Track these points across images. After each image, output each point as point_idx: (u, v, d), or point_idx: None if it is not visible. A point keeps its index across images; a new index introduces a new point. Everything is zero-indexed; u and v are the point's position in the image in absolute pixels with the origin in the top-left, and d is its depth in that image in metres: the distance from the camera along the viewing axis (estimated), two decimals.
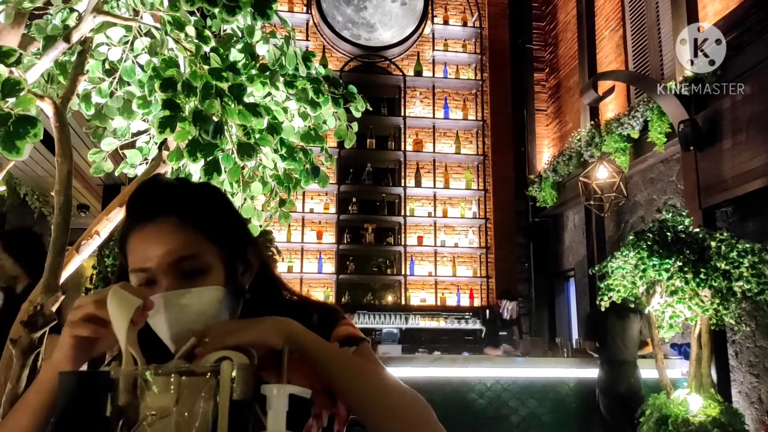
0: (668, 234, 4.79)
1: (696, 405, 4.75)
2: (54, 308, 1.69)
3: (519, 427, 5.94)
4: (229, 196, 1.99)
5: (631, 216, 7.52)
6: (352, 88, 2.21)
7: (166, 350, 0.89)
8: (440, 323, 9.00)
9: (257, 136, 1.88)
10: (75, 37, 1.72)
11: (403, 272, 9.10)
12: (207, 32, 1.82)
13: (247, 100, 1.81)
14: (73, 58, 1.91)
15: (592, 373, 5.84)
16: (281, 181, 2.11)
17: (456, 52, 9.96)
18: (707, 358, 4.92)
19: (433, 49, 9.84)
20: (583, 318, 8.20)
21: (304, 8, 9.67)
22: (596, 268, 5.40)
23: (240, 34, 2.00)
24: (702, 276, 4.49)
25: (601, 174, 7.11)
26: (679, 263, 4.55)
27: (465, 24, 10.10)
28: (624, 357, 5.54)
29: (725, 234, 4.76)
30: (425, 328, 8.89)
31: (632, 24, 7.86)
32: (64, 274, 1.83)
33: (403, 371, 5.70)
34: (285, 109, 2.06)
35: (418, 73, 9.73)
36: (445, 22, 10.00)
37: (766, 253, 4.53)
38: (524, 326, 8.92)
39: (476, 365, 6.19)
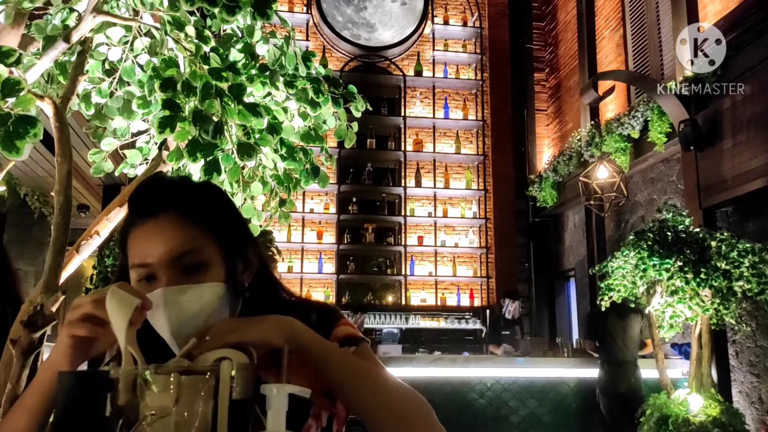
0: (668, 234, 4.79)
1: (696, 405, 4.74)
2: (54, 308, 1.69)
3: (519, 427, 5.93)
4: (229, 196, 1.98)
5: (632, 216, 7.52)
6: (352, 88, 2.21)
7: (165, 349, 0.89)
8: (440, 323, 9.00)
9: (257, 136, 1.88)
10: (75, 37, 1.72)
11: (403, 272, 9.10)
12: (207, 32, 1.82)
13: (247, 100, 1.81)
14: (73, 58, 1.91)
15: (592, 373, 5.84)
16: (281, 181, 2.11)
17: (456, 52, 9.96)
18: (708, 358, 4.92)
19: (433, 49, 9.84)
20: (583, 318, 8.20)
21: (304, 8, 9.67)
22: (596, 268, 5.40)
23: (240, 34, 2.00)
24: (702, 276, 4.49)
25: (602, 174, 7.11)
26: (680, 263, 4.55)
27: (465, 24, 10.10)
28: (624, 357, 5.54)
29: (725, 234, 4.76)
30: (425, 328, 8.89)
31: (632, 24, 7.86)
32: (64, 274, 1.83)
33: (403, 371, 5.69)
34: (285, 109, 2.06)
35: (418, 73, 9.73)
36: (445, 22, 10.00)
37: (767, 253, 4.53)
38: (525, 326, 8.92)
39: (476, 365, 6.19)
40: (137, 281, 0.93)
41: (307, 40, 9.41)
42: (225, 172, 1.85)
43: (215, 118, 1.72)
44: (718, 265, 4.52)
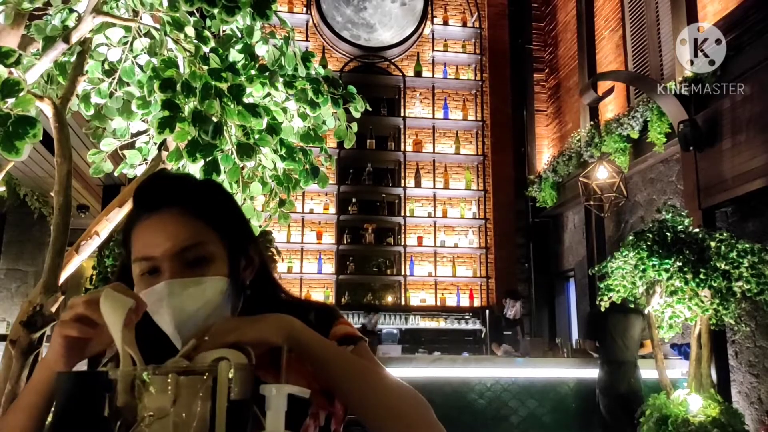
0: (668, 234, 4.79)
1: (696, 405, 4.74)
2: (53, 309, 1.69)
3: (519, 428, 5.93)
4: (231, 194, 1.99)
5: (631, 216, 7.52)
6: (352, 89, 2.21)
7: (165, 348, 0.89)
8: (440, 323, 9.00)
9: (257, 136, 1.88)
10: (74, 38, 1.73)
11: (403, 272, 9.10)
12: (206, 33, 1.82)
13: (246, 100, 1.81)
14: (73, 59, 1.91)
15: (592, 373, 5.84)
16: (281, 181, 2.11)
17: (456, 52, 9.96)
18: (707, 359, 4.92)
19: (433, 50, 9.84)
20: (583, 318, 8.20)
21: (304, 9, 9.67)
22: (596, 269, 5.40)
23: (239, 35, 2.00)
24: (702, 276, 4.49)
25: (601, 174, 7.12)
26: (679, 263, 4.55)
27: (465, 24, 10.10)
28: (624, 357, 5.54)
29: (725, 234, 4.76)
30: (425, 328, 8.89)
31: (632, 24, 7.86)
32: (64, 275, 1.83)
33: (403, 371, 5.69)
34: (284, 110, 2.06)
35: (418, 73, 9.73)
36: (445, 23, 10.00)
37: (766, 254, 4.53)
38: (525, 326, 8.92)
39: (476, 365, 6.19)
40: (140, 275, 0.93)
41: (306, 40, 9.41)
42: (224, 172, 1.85)
43: (215, 119, 1.72)
44: (718, 265, 4.52)
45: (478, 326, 9.03)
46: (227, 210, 1.01)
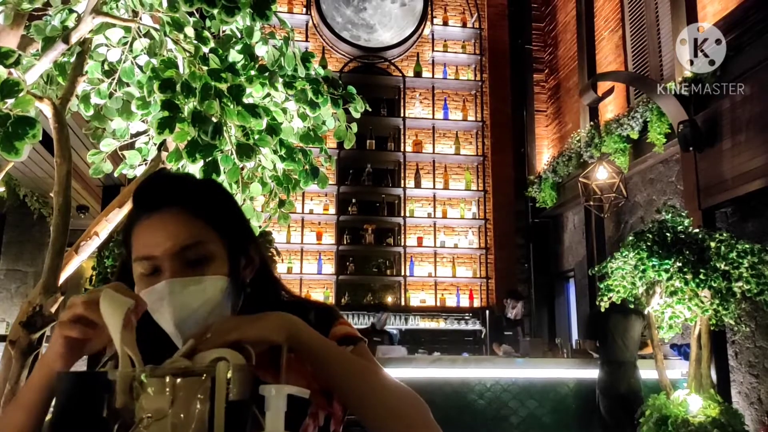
0: (668, 234, 4.79)
1: (696, 405, 4.74)
2: (53, 309, 1.69)
3: (519, 428, 5.93)
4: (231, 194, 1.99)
5: (631, 216, 7.52)
6: (352, 89, 2.21)
7: (165, 347, 0.89)
8: (440, 324, 9.00)
9: (256, 136, 1.88)
10: (74, 38, 1.73)
11: (402, 273, 9.09)
12: (206, 33, 1.82)
13: (246, 100, 1.81)
14: (72, 59, 1.91)
15: (591, 373, 5.84)
16: (280, 181, 2.11)
17: (455, 52, 9.96)
18: (707, 359, 4.92)
19: (433, 50, 9.84)
20: (583, 318, 8.20)
21: (304, 9, 9.67)
22: (596, 269, 5.40)
23: (239, 35, 2.00)
24: (701, 276, 4.49)
25: (601, 175, 7.12)
26: (679, 264, 4.55)
27: (464, 25, 10.10)
28: (624, 357, 5.54)
29: (725, 234, 4.76)
30: (425, 328, 8.89)
31: (631, 25, 7.86)
32: (64, 275, 1.83)
33: (403, 372, 5.70)
34: (284, 110, 2.06)
35: (418, 73, 9.73)
36: (445, 23, 10.00)
37: (766, 254, 4.53)
38: (525, 327, 8.92)
39: (476, 366, 6.19)
40: (141, 275, 0.94)
41: (306, 41, 9.41)
42: (224, 172, 1.85)
43: (214, 119, 1.72)
44: (718, 265, 4.52)
45: (478, 327, 9.03)
46: (227, 209, 1.02)
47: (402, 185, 9.33)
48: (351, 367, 0.94)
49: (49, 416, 0.85)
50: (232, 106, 1.74)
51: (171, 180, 1.02)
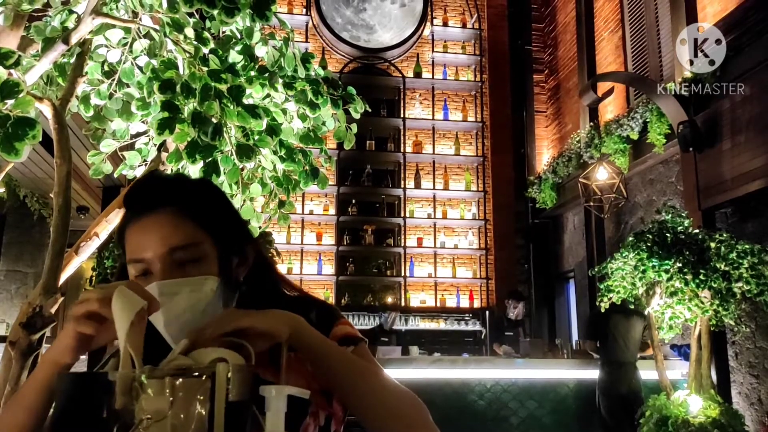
0: (668, 235, 4.79)
1: (696, 406, 4.74)
2: (53, 310, 1.69)
3: (519, 429, 5.93)
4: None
5: (631, 217, 7.52)
6: (352, 90, 2.21)
7: (162, 348, 0.89)
8: (440, 324, 9.00)
9: (256, 137, 1.88)
10: (74, 39, 1.73)
11: (402, 273, 9.09)
12: (206, 34, 1.82)
13: (246, 101, 1.81)
14: (72, 60, 1.91)
15: (591, 374, 5.84)
16: (280, 182, 2.11)
17: (455, 53, 9.96)
18: (707, 359, 4.92)
19: (433, 51, 9.84)
20: (584, 318, 8.20)
21: (304, 10, 9.67)
22: (596, 270, 5.40)
23: (239, 36, 2.00)
24: (701, 277, 4.49)
25: (601, 175, 7.12)
26: (679, 264, 4.55)
27: (464, 25, 10.10)
28: (625, 358, 5.54)
29: (725, 235, 4.76)
30: (425, 329, 8.89)
31: (631, 25, 7.87)
32: (64, 276, 1.83)
33: (403, 372, 5.69)
34: (284, 111, 2.06)
35: (418, 74, 9.73)
36: (445, 24, 10.00)
37: (766, 254, 4.53)
38: (526, 327, 8.92)
39: (476, 366, 6.19)
40: (135, 276, 0.94)
41: (306, 41, 9.41)
42: (224, 173, 1.85)
43: (214, 120, 1.72)
44: (718, 266, 4.52)
45: (478, 327, 9.03)
46: (218, 208, 1.02)
47: (402, 186, 9.33)
48: (351, 368, 0.94)
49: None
50: (232, 107, 1.74)
51: (161, 182, 1.02)
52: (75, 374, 0.77)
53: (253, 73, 1.93)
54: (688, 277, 4.50)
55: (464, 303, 9.20)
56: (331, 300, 8.71)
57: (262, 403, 0.79)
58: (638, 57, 7.68)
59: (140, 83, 1.90)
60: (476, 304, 9.24)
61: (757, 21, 5.23)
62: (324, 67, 2.23)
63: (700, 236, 4.79)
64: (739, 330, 5.21)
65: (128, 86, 1.96)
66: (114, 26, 1.87)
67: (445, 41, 9.97)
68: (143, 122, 2.07)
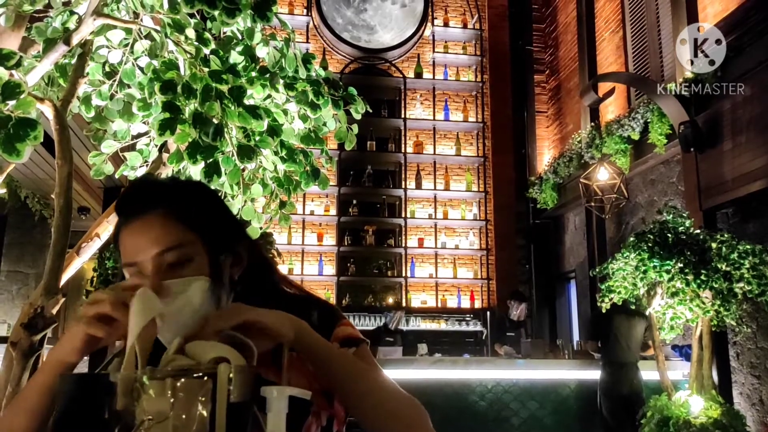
0: (669, 235, 4.79)
1: (697, 406, 4.74)
2: (54, 311, 1.69)
3: (520, 429, 5.93)
4: (229, 198, 1.99)
5: (632, 217, 7.52)
6: (352, 90, 2.21)
7: (160, 347, 0.89)
8: (441, 325, 9.00)
9: (257, 138, 1.88)
10: (75, 40, 1.73)
11: (403, 274, 9.09)
12: (207, 34, 1.82)
13: (247, 102, 1.81)
14: (74, 61, 1.91)
15: (593, 374, 5.83)
16: (281, 183, 2.11)
17: (456, 54, 9.96)
18: (708, 360, 4.92)
19: (434, 51, 9.84)
20: (586, 318, 8.20)
21: (304, 10, 9.68)
22: (597, 270, 5.39)
23: (240, 37, 2.00)
24: (703, 277, 4.49)
25: (602, 175, 7.11)
26: (680, 264, 4.55)
27: (465, 26, 10.10)
28: (627, 359, 5.53)
29: (726, 235, 4.76)
30: (426, 329, 8.88)
31: (632, 26, 7.86)
32: (65, 277, 1.83)
33: (403, 373, 5.69)
34: (285, 111, 2.06)
35: (419, 75, 9.73)
36: (445, 24, 10.00)
37: (767, 255, 4.52)
38: (528, 328, 8.91)
39: (477, 367, 6.18)
40: (130, 279, 0.96)
41: (307, 42, 9.41)
42: (225, 174, 1.85)
43: (215, 121, 1.72)
44: (719, 266, 4.52)
45: (479, 328, 9.03)
46: (208, 209, 1.02)
47: (403, 186, 9.33)
48: (352, 371, 0.95)
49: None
50: (233, 108, 1.74)
51: (151, 186, 1.04)
52: (77, 375, 0.77)
53: (254, 73, 1.93)
54: (690, 277, 4.50)
55: (465, 303, 9.20)
56: (332, 301, 8.71)
57: (264, 403, 0.79)
58: (639, 57, 7.68)
59: (141, 84, 1.90)
60: (477, 304, 9.24)
61: (758, 21, 5.22)
62: (325, 67, 2.23)
63: (701, 236, 4.78)
64: (741, 330, 5.20)
65: (129, 87, 1.96)
66: (115, 27, 1.87)
67: (445, 41, 9.97)
68: (144, 123, 2.07)
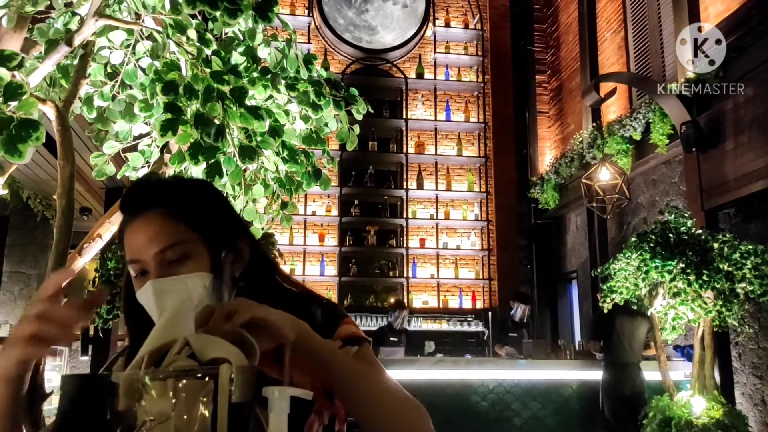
0: (671, 236, 4.78)
1: (699, 407, 4.73)
2: None
3: (521, 430, 5.92)
4: (231, 199, 1.99)
5: (634, 218, 7.51)
6: (354, 91, 2.22)
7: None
8: (442, 325, 8.99)
9: (259, 138, 1.88)
10: (77, 41, 1.73)
11: (405, 274, 9.09)
12: (208, 35, 1.83)
13: (248, 103, 1.81)
14: (75, 62, 1.91)
15: (595, 375, 5.83)
16: (283, 183, 2.11)
17: (457, 54, 9.96)
18: (710, 360, 4.91)
19: (435, 52, 9.84)
20: (588, 318, 8.19)
21: (306, 11, 9.68)
22: (599, 270, 5.39)
23: (241, 37, 2.00)
24: (705, 278, 4.49)
25: (603, 176, 7.10)
26: (682, 265, 4.54)
27: (466, 26, 10.10)
28: (629, 359, 5.53)
29: (728, 235, 4.75)
30: (427, 330, 8.87)
31: (634, 26, 7.86)
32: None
33: (405, 374, 5.69)
34: (286, 112, 2.06)
35: (420, 75, 9.73)
36: (447, 25, 10.00)
37: None
38: (530, 329, 8.90)
39: (479, 367, 6.18)
40: (135, 277, 0.98)
41: (308, 43, 9.41)
42: (227, 175, 1.85)
43: (217, 121, 1.72)
44: (721, 266, 4.51)
45: (480, 328, 9.02)
46: (209, 207, 1.04)
47: (404, 187, 9.33)
48: (354, 374, 0.95)
49: (52, 419, 0.85)
50: (234, 108, 1.74)
51: (152, 184, 1.06)
52: (78, 376, 0.77)
53: (255, 74, 1.93)
54: (691, 277, 4.50)
55: (467, 304, 9.20)
56: (334, 301, 8.69)
57: (266, 401, 0.80)
58: (641, 57, 7.67)
59: (143, 85, 1.91)
60: (479, 305, 9.23)
61: (760, 21, 5.22)
62: (326, 68, 2.24)
63: (703, 237, 4.78)
64: (743, 331, 5.19)
65: (131, 88, 1.96)
66: (117, 28, 1.87)
67: (447, 42, 9.97)
68: (146, 124, 2.07)
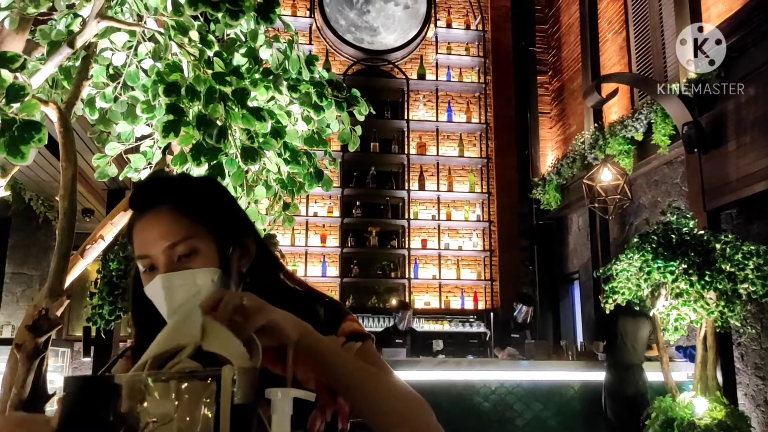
0: (673, 236, 4.78)
1: (702, 408, 4.73)
2: (59, 313, 1.69)
3: (524, 431, 5.92)
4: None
5: (636, 218, 7.51)
6: (356, 92, 2.22)
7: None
8: (444, 326, 8.98)
9: (261, 140, 1.88)
10: (79, 43, 1.73)
11: (407, 275, 9.08)
12: (210, 37, 1.83)
13: (250, 104, 1.81)
14: (78, 63, 1.92)
15: (597, 375, 5.82)
16: (285, 184, 2.11)
17: (459, 55, 9.96)
18: (713, 361, 4.90)
19: (437, 53, 9.84)
20: (590, 319, 8.18)
21: (307, 12, 9.68)
22: (601, 271, 5.39)
23: (243, 39, 2.00)
24: (707, 278, 4.48)
25: (605, 176, 7.10)
26: (684, 265, 4.54)
27: (468, 27, 10.09)
28: (632, 360, 5.52)
29: (730, 236, 4.75)
30: (429, 331, 8.87)
31: (635, 26, 7.85)
32: (69, 279, 1.84)
33: (407, 374, 5.69)
34: (288, 113, 2.06)
35: (422, 76, 9.73)
36: (448, 26, 10.00)
37: None
38: (533, 330, 8.89)
39: (481, 368, 6.18)
40: (143, 272, 1.00)
41: (310, 44, 9.41)
42: (229, 176, 1.85)
43: (219, 123, 1.72)
44: (723, 267, 4.51)
45: (482, 329, 9.01)
46: (217, 203, 1.05)
47: (406, 187, 9.33)
48: (357, 373, 0.95)
49: (56, 421, 0.85)
50: (236, 110, 1.74)
51: (162, 181, 1.08)
52: (81, 377, 0.77)
53: (257, 75, 1.93)
54: (694, 278, 4.49)
55: (468, 305, 9.19)
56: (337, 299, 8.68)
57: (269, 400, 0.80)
58: (642, 58, 7.66)
59: (145, 86, 1.91)
60: (480, 305, 9.22)
61: (762, 21, 5.21)
62: (328, 69, 2.24)
63: (705, 237, 4.77)
64: (745, 331, 5.19)
65: (133, 89, 1.97)
66: (119, 29, 1.87)
67: (448, 43, 9.97)
68: (148, 125, 2.08)
